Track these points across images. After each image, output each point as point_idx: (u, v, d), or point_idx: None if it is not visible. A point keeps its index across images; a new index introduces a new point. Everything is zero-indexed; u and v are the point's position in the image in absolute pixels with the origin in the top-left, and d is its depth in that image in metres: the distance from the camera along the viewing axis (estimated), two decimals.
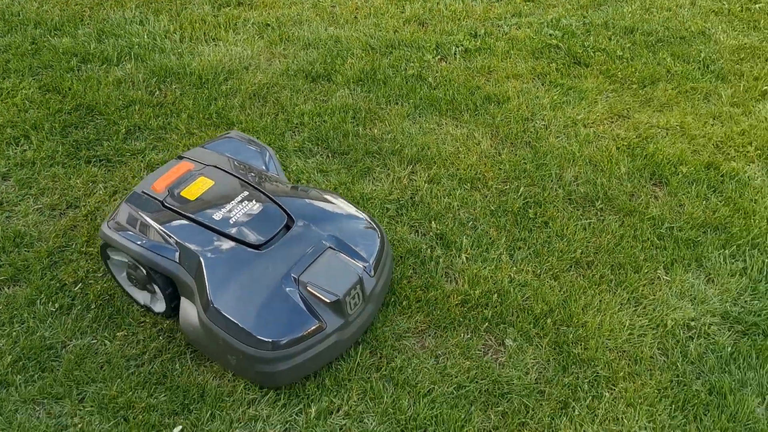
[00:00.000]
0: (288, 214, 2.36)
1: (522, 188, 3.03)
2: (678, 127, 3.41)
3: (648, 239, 2.81)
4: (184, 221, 2.33)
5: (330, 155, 3.23)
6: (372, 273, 2.33)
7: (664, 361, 2.40)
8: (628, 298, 2.59)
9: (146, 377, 2.30)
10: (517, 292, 2.58)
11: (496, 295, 2.57)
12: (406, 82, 3.70)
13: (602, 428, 2.20)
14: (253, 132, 3.33)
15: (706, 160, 3.20)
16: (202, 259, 2.20)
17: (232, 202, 2.37)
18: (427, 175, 3.11)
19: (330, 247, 2.30)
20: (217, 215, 2.32)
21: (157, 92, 3.61)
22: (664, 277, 2.68)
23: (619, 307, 2.56)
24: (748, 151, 3.27)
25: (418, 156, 3.21)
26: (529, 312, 2.52)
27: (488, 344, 2.45)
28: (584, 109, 3.53)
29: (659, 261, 2.73)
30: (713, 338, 2.47)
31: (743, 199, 3.00)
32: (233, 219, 2.31)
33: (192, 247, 2.24)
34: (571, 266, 2.70)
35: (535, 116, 3.47)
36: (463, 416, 2.21)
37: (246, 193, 2.41)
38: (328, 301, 2.16)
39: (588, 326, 2.47)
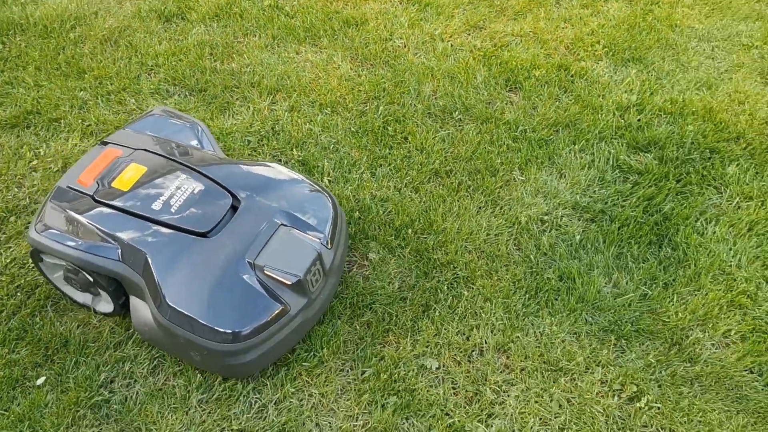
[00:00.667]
0: (232, 194, 2.19)
1: (381, 107, 3.06)
2: (531, 33, 3.50)
3: (504, 143, 2.90)
4: (122, 215, 2.11)
5: (188, 94, 3.16)
6: (329, 245, 2.20)
7: (519, 255, 2.52)
8: (486, 201, 2.69)
9: (5, 335, 2.25)
10: (378, 207, 2.64)
11: (357, 212, 2.62)
12: (263, 13, 3.62)
13: (462, 324, 2.31)
14: (107, 78, 3.21)
15: (558, 62, 3.31)
16: (148, 255, 2.02)
17: (171, 187, 2.17)
18: (287, 104, 3.09)
19: (282, 224, 2.14)
20: (157, 204, 2.11)
21: (0, 46, 3.41)
22: (519, 178, 2.79)
23: (477, 211, 2.65)
24: (596, 50, 3.39)
25: (277, 86, 3.18)
26: (391, 225, 2.59)
27: (353, 260, 2.51)
28: (441, 24, 3.56)
29: (514, 163, 2.83)
30: (564, 229, 2.60)
31: (591, 96, 3.13)
32: (174, 206, 2.11)
33: (135, 242, 2.05)
34: (430, 177, 2.77)
35: (393, 35, 3.48)
36: (329, 330, 2.27)
37: (183, 175, 2.21)
38: (288, 283, 2.02)
39: (447, 232, 2.56)
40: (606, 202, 2.69)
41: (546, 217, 2.64)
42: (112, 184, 2.19)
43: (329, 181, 2.74)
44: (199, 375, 2.15)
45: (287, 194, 2.26)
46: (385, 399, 2.12)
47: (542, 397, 2.15)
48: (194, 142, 2.46)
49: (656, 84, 3.21)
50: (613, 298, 2.39)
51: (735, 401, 2.15)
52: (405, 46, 3.41)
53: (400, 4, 3.70)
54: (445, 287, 2.40)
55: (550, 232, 2.59)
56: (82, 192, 2.19)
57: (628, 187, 2.74)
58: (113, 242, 2.07)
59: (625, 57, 3.35)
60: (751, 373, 2.22)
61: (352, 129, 2.96)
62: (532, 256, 2.50)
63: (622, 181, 2.78)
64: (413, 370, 2.19)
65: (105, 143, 2.38)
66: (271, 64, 3.30)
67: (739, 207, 2.69)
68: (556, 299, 2.38)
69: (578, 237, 2.56)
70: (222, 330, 1.95)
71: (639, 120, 3.02)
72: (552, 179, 2.78)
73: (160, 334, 2.06)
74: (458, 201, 2.68)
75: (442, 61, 3.31)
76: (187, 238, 2.06)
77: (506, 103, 3.11)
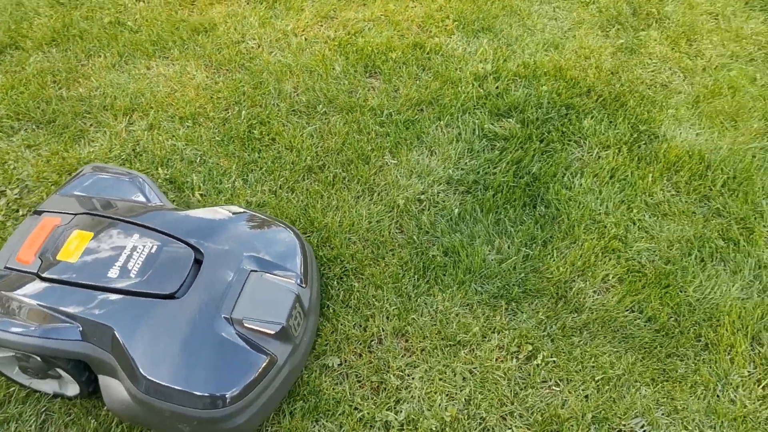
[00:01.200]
0: (193, 246, 2.03)
1: (244, 112, 2.99)
2: (382, 17, 3.52)
3: (372, 130, 2.91)
4: (75, 290, 1.91)
5: (35, 127, 2.96)
6: (303, 283, 2.09)
7: (403, 238, 2.54)
8: (362, 190, 2.69)
9: None
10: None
11: None
12: (105, 32, 3.44)
13: (357, 316, 2.30)
14: None
15: (412, 41, 3.34)
16: (115, 329, 1.84)
17: (125, 250, 1.98)
18: (145, 122, 2.96)
19: (252, 270, 2.02)
20: (113, 271, 1.93)
21: None
22: (392, 161, 2.81)
23: (356, 201, 2.65)
24: (447, 25, 3.45)
25: (132, 105, 3.04)
26: None
27: None
28: (293, 18, 3.51)
29: (384, 147, 2.85)
30: (442, 204, 2.65)
31: (449, 71, 3.19)
32: (133, 270, 1.94)
33: (97, 318, 1.86)
34: (304, 175, 2.74)
35: (245, 37, 3.40)
36: None
37: (136, 235, 2.03)
38: (272, 332, 1.90)
39: (329, 227, 2.55)
40: (478, 172, 2.75)
41: (423, 196, 2.67)
42: (58, 257, 1.97)
43: (201, 195, 2.65)
44: (93, 421, 2.04)
45: (249, 236, 2.15)
46: (292, 406, 2.09)
47: (445, 373, 2.19)
48: (139, 197, 2.27)
49: (507, 51, 3.31)
50: (497, 264, 2.45)
51: (622, 341, 2.27)
52: (259, 47, 3.35)
53: (248, 4, 3.62)
54: (335, 282, 2.39)
55: (429, 210, 2.63)
56: (23, 271, 1.97)
57: (496, 154, 2.81)
58: (71, 321, 1.87)
59: (474, 28, 3.44)
60: (632, 312, 2.35)
61: (217, 138, 2.88)
62: (415, 237, 2.53)
63: (490, 149, 2.86)
64: (315, 372, 2.17)
65: (39, 213, 2.16)
66: (122, 83, 3.15)
67: (599, 157, 2.83)
68: (444, 275, 2.42)
69: (456, 210, 2.62)
70: (208, 395, 1.79)
71: (497, 87, 3.11)
72: (423, 158, 2.82)
73: (141, 410, 1.86)
74: (335, 194, 2.67)
75: (298, 57, 3.27)
76: (155, 303, 1.89)
77: (368, 90, 3.12)
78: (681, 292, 2.39)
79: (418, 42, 3.34)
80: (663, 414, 2.12)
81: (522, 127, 2.93)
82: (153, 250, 1.99)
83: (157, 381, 1.79)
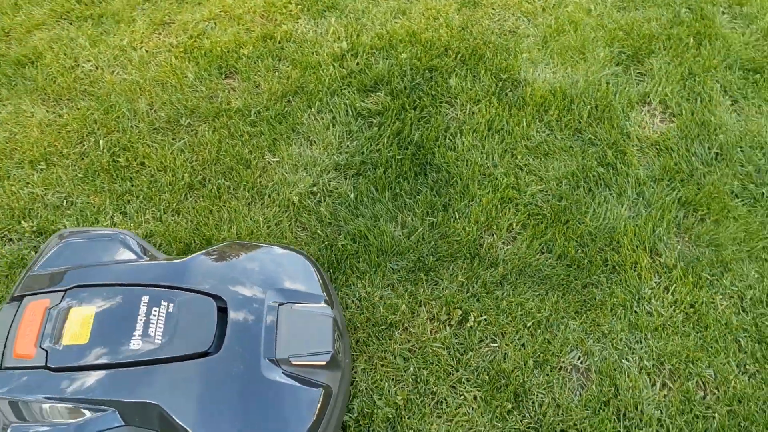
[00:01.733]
0: (211, 295, 1.85)
1: (101, 141, 2.76)
2: (222, 13, 3.36)
3: (244, 131, 2.79)
4: (99, 373, 1.69)
5: None
6: (330, 303, 1.98)
7: (307, 235, 2.47)
8: (252, 196, 2.58)
9: None
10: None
11: None
12: None
13: None
14: None
15: (260, 33, 3.22)
16: (160, 404, 1.64)
17: (139, 316, 1.76)
18: None
19: (280, 304, 1.88)
20: (134, 343, 1.72)
21: None
22: (273, 160, 2.71)
23: (248, 208, 2.54)
24: (291, 10, 3.36)
25: None
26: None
27: None
28: (126, 32, 3.27)
29: (262, 147, 2.74)
30: (337, 192, 2.60)
31: (306, 56, 3.11)
32: (157, 336, 1.73)
33: (134, 397, 1.66)
34: (186, 193, 2.59)
35: (79, 60, 3.13)
36: None
37: (145, 297, 1.81)
38: (323, 363, 1.80)
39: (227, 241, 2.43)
40: (363, 152, 2.72)
41: (315, 188, 2.60)
42: (64, 342, 1.72)
43: None
44: None
45: (262, 269, 2.02)
46: None
47: (386, 358, 2.16)
48: (127, 255, 2.03)
49: (358, 25, 3.28)
50: (406, 238, 2.45)
51: (540, 284, 2.35)
52: (97, 68, 3.09)
53: (71, 24, 3.33)
54: None
55: (325, 201, 2.57)
56: (28, 367, 1.70)
57: (375, 131, 2.79)
58: (105, 408, 1.67)
59: (319, 8, 3.37)
60: (542, 253, 2.43)
61: (80, 175, 2.64)
62: (319, 231, 2.47)
63: (367, 127, 2.83)
64: None
65: (18, 298, 1.86)
66: None
67: (472, 113, 2.88)
68: (358, 261, 2.39)
69: (352, 195, 2.58)
70: None
71: (357, 64, 3.07)
72: (304, 150, 2.74)
73: None
74: (225, 206, 2.54)
75: (144, 71, 3.06)
76: (192, 366, 1.72)
77: (228, 92, 2.98)
78: (580, 224, 2.50)
79: (266, 33, 3.22)
80: (593, 341, 2.23)
81: (392, 98, 2.92)
82: (171, 309, 1.80)
83: None
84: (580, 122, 2.85)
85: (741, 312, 2.31)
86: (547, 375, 2.14)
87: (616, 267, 2.41)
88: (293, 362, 1.79)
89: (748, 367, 2.19)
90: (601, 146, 2.77)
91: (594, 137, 2.80)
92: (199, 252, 2.05)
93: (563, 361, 2.18)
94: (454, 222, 2.50)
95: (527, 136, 2.79)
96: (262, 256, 2.11)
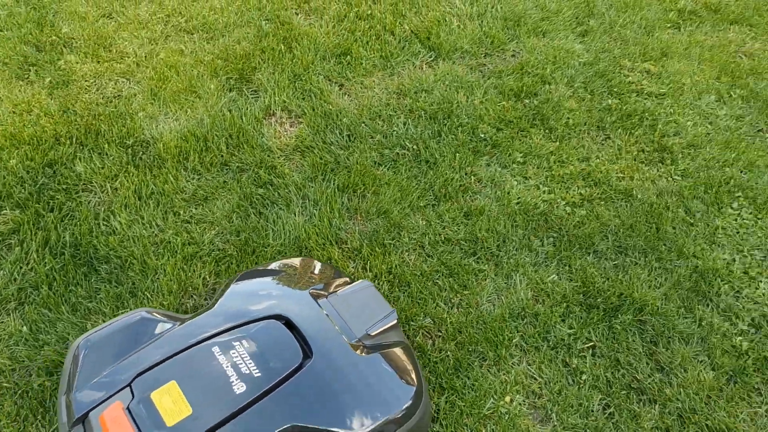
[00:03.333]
0: (269, 317, 1.97)
1: None
2: None
3: None
4: (229, 427, 1.71)
5: None
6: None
7: None
8: None
9: None
10: None
11: None
12: None
13: None
14: None
15: None
16: (296, 423, 1.75)
17: (224, 365, 1.82)
18: None
19: (327, 295, 2.12)
20: (237, 387, 1.78)
21: None
22: None
23: None
24: None
25: None
26: None
27: None
28: None
29: None
30: (6, 333, 2.27)
31: None
32: (253, 371, 1.81)
33: (275, 428, 1.73)
34: None
35: None
36: None
37: (215, 348, 1.86)
38: (395, 321, 2.11)
39: None
40: (15, 279, 2.41)
41: None
42: (170, 424, 1.70)
43: None
44: None
45: (289, 278, 2.20)
46: None
47: None
48: (161, 326, 1.98)
49: None
50: None
51: None
52: None
53: None
54: None
55: None
56: None
57: (18, 251, 2.49)
58: None
59: None
60: None
61: None
62: (5, 383, 2.14)
63: (8, 250, 2.51)
64: None
65: (83, 417, 1.75)
66: None
67: (115, 189, 2.73)
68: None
69: (25, 328, 2.28)
70: (410, 399, 1.90)
71: None
72: None
73: None
74: None
75: None
76: (302, 378, 1.83)
77: None
78: (266, 247, 2.55)
79: None
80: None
81: (21, 210, 2.63)
82: (247, 345, 1.87)
83: (367, 428, 1.81)
84: (222, 156, 2.88)
85: (427, 258, 2.59)
86: None
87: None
88: (371, 333, 2.02)
89: (453, 300, 2.47)
90: (252, 169, 2.84)
91: (241, 164, 2.86)
92: (222, 293, 2.11)
93: None
94: (148, 303, 2.36)
95: (180, 190, 2.74)
96: (277, 269, 2.25)
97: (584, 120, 3.18)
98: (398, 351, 2.02)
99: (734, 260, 2.64)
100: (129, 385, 1.81)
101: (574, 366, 2.29)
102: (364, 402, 1.86)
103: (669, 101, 3.31)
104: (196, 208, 2.68)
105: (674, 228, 2.73)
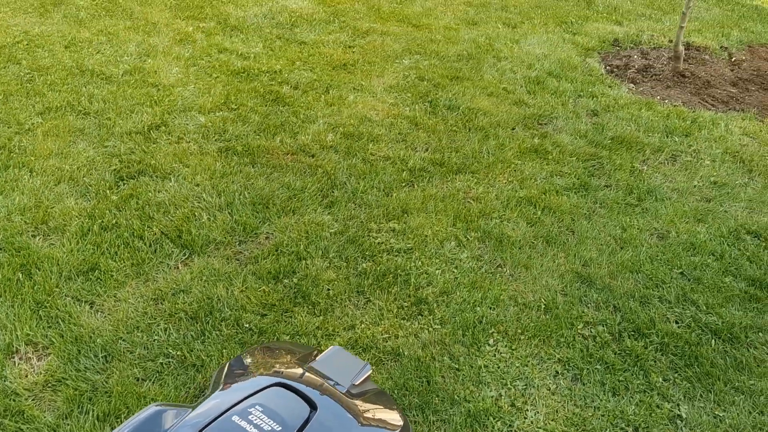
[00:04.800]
0: (274, 384, 2.10)
1: None
2: None
3: None
4: None
5: None
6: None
7: None
8: None
9: None
10: None
11: None
12: None
13: None
14: None
15: None
16: None
17: (247, 428, 1.89)
18: None
19: (307, 363, 2.32)
20: None
21: None
22: None
23: None
24: None
25: None
26: None
27: None
28: None
29: None
30: None
31: None
32: (273, 426, 1.90)
33: None
34: None
35: None
36: None
37: (235, 417, 1.93)
38: (371, 372, 2.33)
39: None
40: None
41: None
42: None
43: None
44: None
45: (273, 352, 2.51)
46: None
47: None
48: (181, 412, 2.01)
49: None
50: None
51: None
52: None
53: None
54: None
55: None
56: None
57: None
58: None
59: None
60: None
61: None
62: None
63: None
64: None
65: None
66: None
67: None
68: None
69: None
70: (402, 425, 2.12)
71: None
72: None
73: None
74: None
75: None
76: (316, 427, 1.95)
77: None
78: None
79: None
80: None
81: None
82: (262, 408, 1.97)
83: None
84: None
85: None
86: None
87: None
88: (356, 383, 2.21)
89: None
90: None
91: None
92: (228, 378, 2.24)
93: None
94: None
95: None
96: (263, 348, 2.55)
97: (344, 288, 3.30)
98: (380, 395, 2.31)
99: (500, 395, 2.80)
100: None
101: None
102: None
103: (417, 254, 3.57)
104: None
105: (443, 377, 2.86)
